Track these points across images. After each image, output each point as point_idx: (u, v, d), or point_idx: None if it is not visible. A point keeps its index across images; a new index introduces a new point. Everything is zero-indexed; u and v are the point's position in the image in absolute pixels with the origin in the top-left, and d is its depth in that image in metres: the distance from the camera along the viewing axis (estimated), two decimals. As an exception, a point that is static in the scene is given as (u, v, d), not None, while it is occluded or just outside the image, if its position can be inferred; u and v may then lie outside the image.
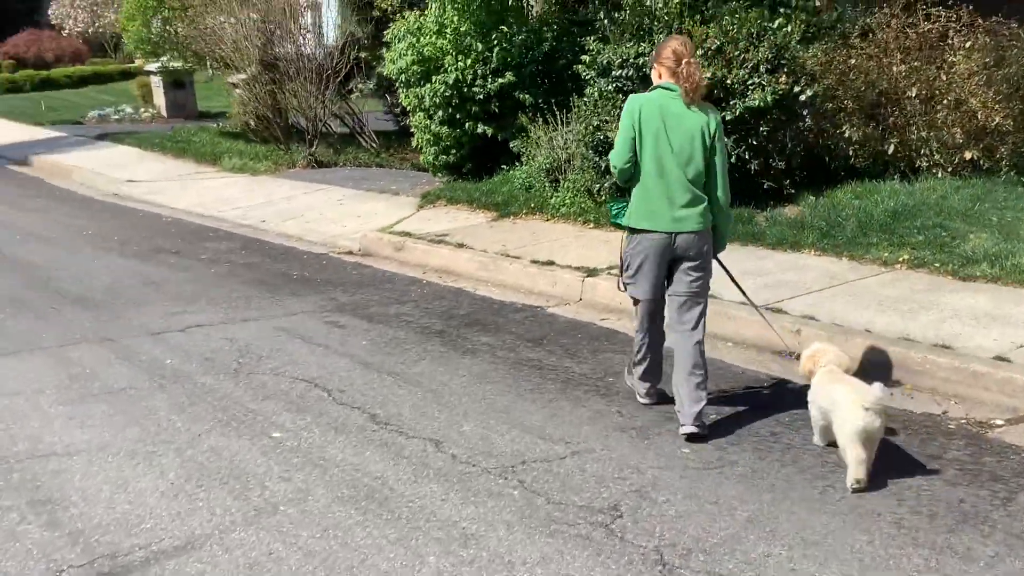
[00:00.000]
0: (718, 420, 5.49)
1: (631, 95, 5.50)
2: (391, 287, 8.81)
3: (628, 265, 5.47)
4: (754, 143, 9.51)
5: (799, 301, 7.35)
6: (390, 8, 15.18)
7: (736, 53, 9.55)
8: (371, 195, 13.66)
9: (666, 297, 5.48)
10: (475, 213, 11.63)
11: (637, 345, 5.62)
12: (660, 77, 5.32)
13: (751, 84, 9.40)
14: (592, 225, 10.32)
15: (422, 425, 5.41)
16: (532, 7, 13.12)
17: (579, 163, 10.66)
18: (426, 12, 13.20)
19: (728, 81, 9.39)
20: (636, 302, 5.57)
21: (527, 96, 12.51)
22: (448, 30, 12.66)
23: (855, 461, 4.53)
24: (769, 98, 9.22)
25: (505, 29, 12.72)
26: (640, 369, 5.66)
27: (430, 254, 9.91)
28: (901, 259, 8.07)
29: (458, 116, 12.80)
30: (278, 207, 13.39)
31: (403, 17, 13.35)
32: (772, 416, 5.55)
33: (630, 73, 9.82)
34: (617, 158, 5.34)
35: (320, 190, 14.38)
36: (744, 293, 5.95)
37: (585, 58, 10.55)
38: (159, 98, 26.51)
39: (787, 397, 5.85)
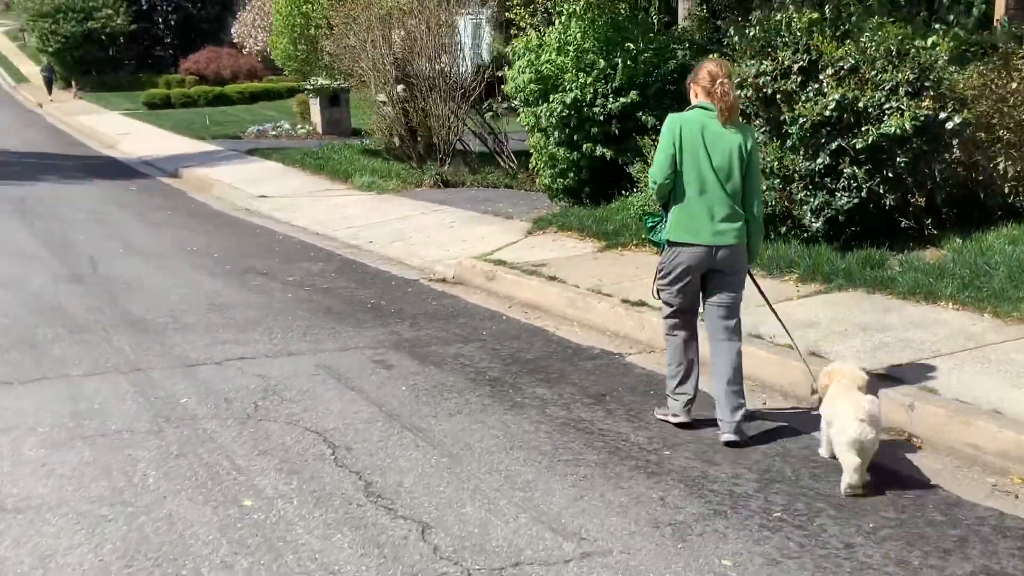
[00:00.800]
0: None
1: (670, 114, 5.60)
2: (465, 321, 7.98)
3: (666, 273, 5.56)
4: (890, 175, 8.20)
5: (920, 368, 6.07)
6: (527, 25, 14.42)
7: (872, 73, 8.27)
8: (486, 218, 12.90)
9: (705, 308, 5.62)
10: (583, 241, 10.69)
11: (669, 357, 5.72)
12: (696, 97, 5.51)
13: (888, 108, 8.11)
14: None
15: (419, 501, 4.52)
16: (665, 21, 12.06)
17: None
18: (550, 30, 12.39)
19: (860, 104, 8.12)
20: (667, 313, 5.69)
21: (650, 117, 11.48)
22: (571, 47, 11.80)
23: (849, 467, 4.77)
24: (908, 124, 7.90)
25: (631, 46, 11.75)
26: (674, 383, 5.68)
27: (520, 286, 9.03)
28: (1057, 320, 6.67)
29: (576, 137, 11.89)
30: (391, 227, 12.82)
31: (528, 34, 12.58)
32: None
33: (748, 93, 8.67)
34: (658, 174, 5.44)
35: (436, 211, 13.74)
36: (778, 317, 5.94)
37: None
38: (315, 115, 26.77)
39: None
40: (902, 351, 6.39)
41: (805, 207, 8.50)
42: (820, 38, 8.46)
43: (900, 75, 8.12)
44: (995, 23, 9.94)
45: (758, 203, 5.50)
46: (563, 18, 12.19)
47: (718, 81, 5.36)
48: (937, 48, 8.41)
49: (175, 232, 12.65)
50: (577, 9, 11.95)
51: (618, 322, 7.78)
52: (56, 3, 44.37)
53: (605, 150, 11.75)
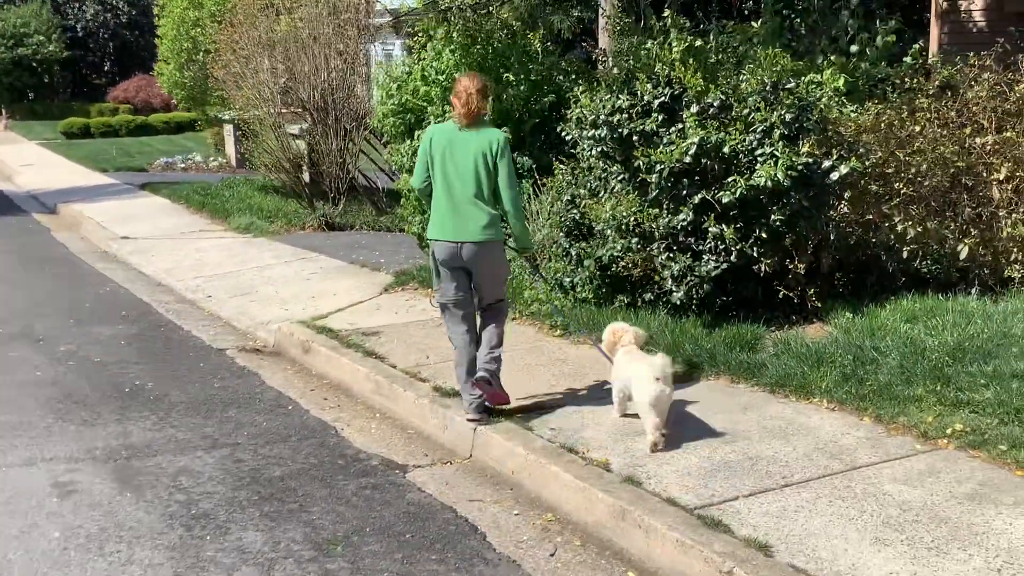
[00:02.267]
0: None
1: (429, 126, 6.32)
2: (236, 414, 6.36)
3: (432, 269, 5.99)
4: (763, 235, 6.70)
5: (760, 505, 4.52)
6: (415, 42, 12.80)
7: (744, 111, 6.80)
8: (351, 269, 11.29)
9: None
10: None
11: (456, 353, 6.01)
12: (454, 108, 5.81)
13: (760, 155, 6.63)
14: (559, 332, 7.67)
15: None
16: (560, 45, 10.59)
17: (552, 248, 8.03)
18: (422, 55, 10.91)
19: (725, 150, 6.64)
20: (441, 308, 6.11)
21: (525, 158, 9.99)
22: (442, 76, 10.30)
23: (650, 426, 5.14)
24: (780, 174, 6.41)
25: (510, 76, 10.26)
26: (461, 379, 5.93)
27: (332, 362, 7.42)
28: (950, 431, 5.14)
29: (441, 180, 10.37)
30: (242, 278, 11.17)
31: (395, 62, 11.08)
32: None
33: (603, 134, 7.16)
34: (415, 181, 6.02)
35: (303, 259, 12.11)
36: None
37: (570, 113, 7.92)
38: (229, 147, 25.12)
39: None
40: (745, 476, 4.84)
41: (666, 272, 6.98)
42: (682, 69, 6.96)
43: (775, 114, 6.64)
44: (907, 57, 8.50)
45: (511, 198, 5.74)
46: (436, 43, 10.70)
47: (467, 93, 5.69)
48: (823, 83, 6.95)
49: (-9, 281, 10.95)
50: (449, 33, 10.46)
51: (421, 418, 6.20)
52: (-16, 28, 42.47)
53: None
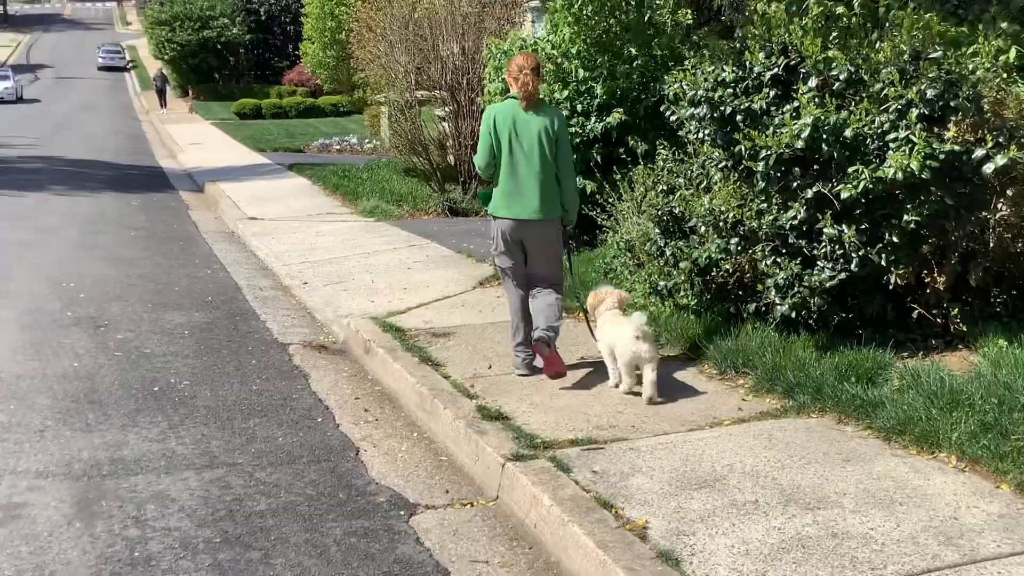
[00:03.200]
0: None
1: (488, 106, 6.56)
2: (259, 422, 5.56)
3: (494, 242, 6.15)
4: (894, 239, 5.35)
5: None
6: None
7: (876, 87, 5.46)
8: (456, 259, 10.44)
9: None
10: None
11: (510, 314, 6.29)
12: (511, 88, 5.97)
13: (893, 140, 5.28)
14: (649, 343, 6.55)
15: None
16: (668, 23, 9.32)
17: (645, 246, 6.89)
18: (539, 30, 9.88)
19: (847, 133, 5.33)
20: (503, 276, 6.34)
21: (641, 143, 8.84)
22: (556, 51, 9.26)
23: (648, 383, 5.40)
24: (916, 164, 5.05)
25: (632, 50, 9.11)
26: (514, 339, 6.17)
27: (385, 367, 6.54)
28: (1119, 517, 3.76)
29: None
30: (346, 265, 10.50)
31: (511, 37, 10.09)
32: None
33: (703, 113, 5.95)
34: (479, 161, 6.05)
35: (412, 246, 11.35)
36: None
37: (667, 88, 6.73)
38: (385, 129, 24.84)
39: None
40: (821, 562, 3.62)
41: (769, 280, 5.73)
42: (800, 34, 5.67)
43: (913, 90, 5.27)
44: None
45: (568, 174, 5.97)
46: (555, 14, 9.64)
47: (523, 72, 5.80)
48: (979, 53, 5.51)
49: (98, 259, 10.65)
50: (570, 3, 9.37)
51: (455, 442, 5.22)
52: (174, 11, 44.21)
53: (586, 182, 9.14)
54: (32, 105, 43.03)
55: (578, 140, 9.05)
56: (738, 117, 5.77)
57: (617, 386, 5.64)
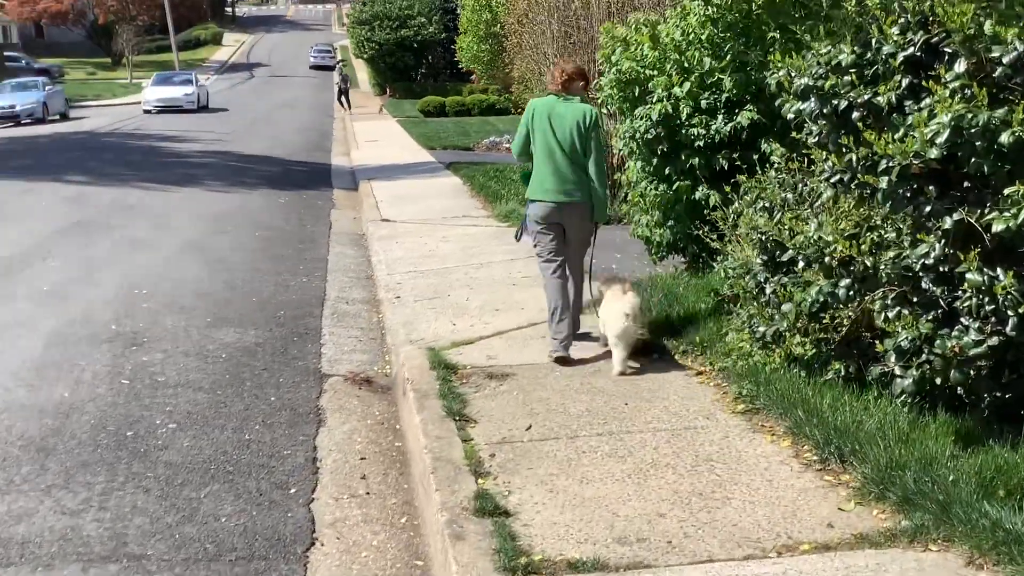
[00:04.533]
0: None
1: (530, 100, 6.77)
2: (216, 490, 4.44)
3: (532, 224, 6.45)
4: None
5: None
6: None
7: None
8: (571, 275, 9.10)
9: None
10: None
11: (547, 298, 6.45)
12: (550, 86, 6.42)
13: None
14: (741, 407, 5.02)
15: None
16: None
17: (740, 280, 5.34)
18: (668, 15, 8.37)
19: (1003, 139, 3.63)
20: (541, 260, 6.51)
21: (775, 146, 7.21)
22: (682, 39, 7.74)
23: (618, 360, 5.79)
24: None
25: (774, 35, 7.48)
26: (551, 322, 6.29)
27: (409, 419, 5.30)
28: None
29: (667, 169, 7.83)
30: (448, 278, 9.37)
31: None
32: None
33: (811, 108, 4.36)
34: (515, 149, 6.57)
35: (532, 258, 9.99)
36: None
37: (769, 76, 5.11)
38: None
39: None
40: None
41: (889, 342, 4.08)
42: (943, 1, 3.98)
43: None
44: None
45: (597, 166, 6.21)
46: (682, 7, 8.11)
47: (564, 74, 6.32)
48: None
49: (197, 262, 9.96)
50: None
51: (434, 545, 3.91)
52: (374, 10, 44.66)
53: (709, 191, 7.58)
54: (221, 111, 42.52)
55: (700, 143, 7.51)
56: (856, 114, 4.15)
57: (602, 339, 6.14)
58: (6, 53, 58.04)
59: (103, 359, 6.43)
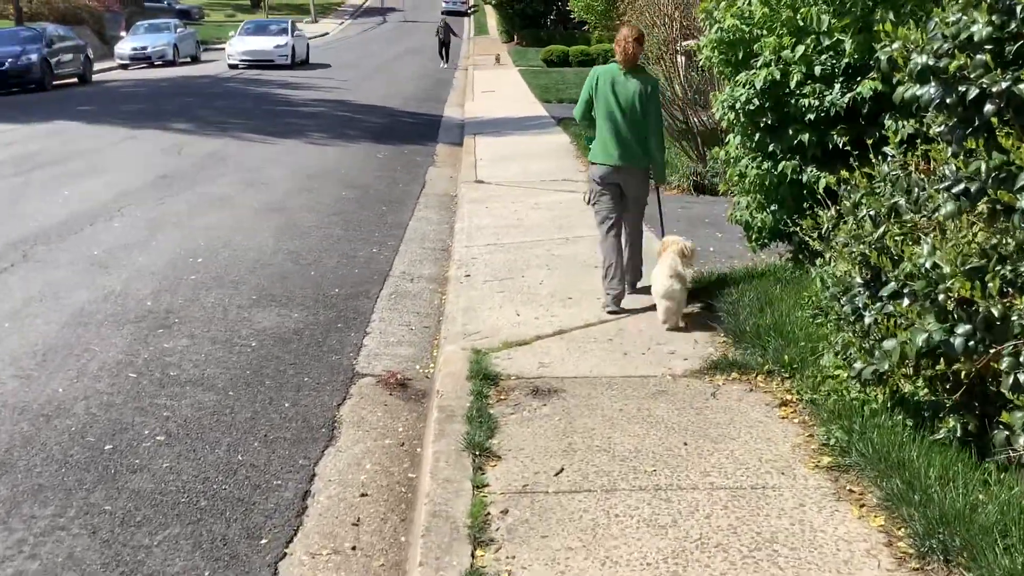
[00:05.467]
0: None
1: (594, 67, 7.09)
2: (177, 536, 3.74)
3: (592, 185, 6.73)
4: None
5: None
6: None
7: None
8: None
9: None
10: (701, 342, 5.75)
11: (602, 256, 6.73)
12: (616, 54, 6.57)
13: None
14: (827, 459, 4.02)
15: None
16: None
17: (834, 303, 4.29)
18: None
19: None
20: (599, 220, 6.77)
21: (901, 124, 6.03)
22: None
23: (660, 310, 6.08)
24: None
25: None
26: (605, 279, 6.60)
27: (425, 446, 4.50)
28: None
29: (771, 145, 6.72)
30: (526, 254, 8.52)
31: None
32: None
33: (931, 94, 3.29)
34: (577, 114, 6.83)
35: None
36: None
37: (879, 51, 4.00)
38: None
39: None
40: None
41: (1019, 415, 3.03)
42: None
43: None
44: None
45: (656, 133, 6.58)
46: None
47: (626, 41, 6.46)
48: None
49: (268, 227, 9.37)
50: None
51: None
52: (503, -43, 43.50)
53: (819, 173, 6.46)
54: (338, 55, 38.43)
55: (812, 116, 6.37)
56: (989, 107, 3.07)
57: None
58: (150, -5, 59.26)
59: (120, 344, 5.84)
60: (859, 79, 6.30)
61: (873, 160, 4.95)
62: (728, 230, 8.90)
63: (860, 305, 3.94)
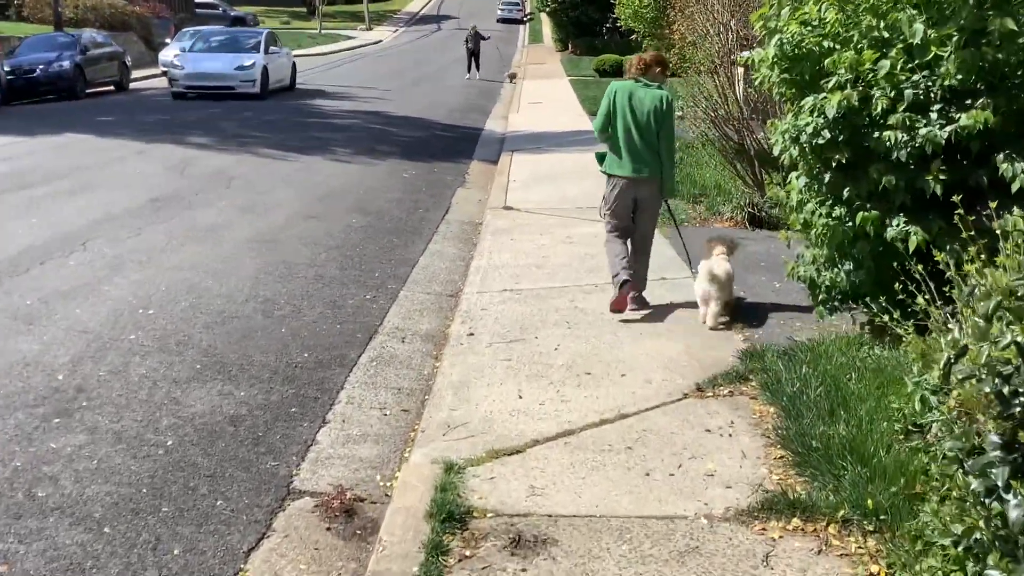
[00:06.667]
0: None
1: (612, 82, 7.17)
2: None
3: (606, 196, 6.93)
4: None
5: None
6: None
7: None
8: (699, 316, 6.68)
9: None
10: (750, 456, 4.28)
11: (610, 254, 6.97)
12: (629, 71, 7.07)
13: None
14: None
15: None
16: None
17: (950, 420, 2.79)
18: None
19: None
20: (609, 228, 6.97)
21: (1018, 164, 4.53)
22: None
23: (702, 314, 6.40)
24: None
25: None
26: (613, 273, 6.81)
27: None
28: None
29: (846, 190, 5.21)
30: (550, 305, 7.14)
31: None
32: None
33: None
34: (596, 128, 6.94)
35: (664, 280, 7.67)
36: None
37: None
38: (738, 92, 20.61)
39: None
40: None
41: None
42: None
43: None
44: None
45: (668, 147, 6.74)
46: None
47: (642, 62, 6.81)
48: None
49: (252, 263, 8.07)
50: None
51: None
52: (558, -37, 42.10)
53: (908, 227, 4.95)
54: (352, 70, 35.84)
55: (902, 154, 4.85)
56: None
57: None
58: (206, 0, 58.95)
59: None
60: (962, 106, 4.79)
61: (984, 212, 3.51)
62: (784, 276, 7.41)
63: (999, 483, 2.46)
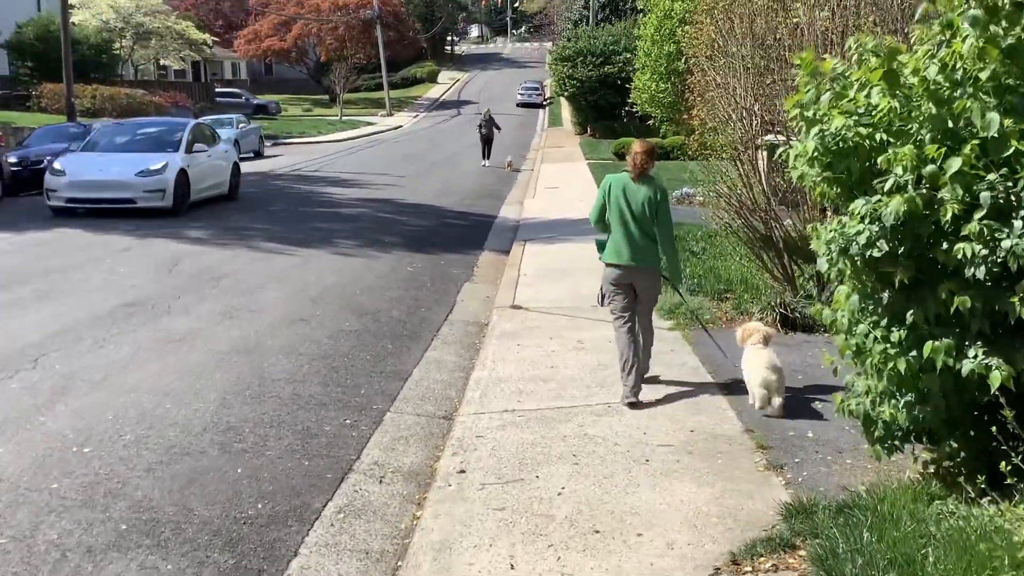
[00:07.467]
0: None
1: (607, 175, 7.25)
2: None
3: (605, 286, 7.12)
4: None
5: None
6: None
7: None
8: (734, 452, 5.67)
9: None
10: None
11: (619, 350, 6.96)
12: (629, 166, 6.96)
13: None
14: None
15: None
16: None
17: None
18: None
19: None
20: (614, 317, 7.06)
21: None
22: (942, 77, 4.14)
23: (758, 398, 6.40)
24: None
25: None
26: (622, 373, 6.84)
27: None
28: None
29: (909, 312, 4.22)
30: (555, 432, 6.17)
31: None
32: None
33: None
34: (592, 219, 7.12)
35: (686, 398, 6.67)
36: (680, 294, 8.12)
37: None
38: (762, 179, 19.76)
39: None
40: None
41: None
42: None
43: None
44: None
45: (667, 237, 6.86)
46: (944, 15, 4.45)
47: (637, 155, 6.85)
48: None
49: (218, 384, 7.12)
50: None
51: None
52: (578, 47, 41.93)
53: (990, 360, 3.95)
54: (371, 154, 39.98)
55: (979, 271, 3.89)
56: None
57: (753, 405, 6.46)
58: (228, 89, 59.47)
59: None
60: (1055, 210, 3.83)
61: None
62: (831, 395, 6.38)
63: None
